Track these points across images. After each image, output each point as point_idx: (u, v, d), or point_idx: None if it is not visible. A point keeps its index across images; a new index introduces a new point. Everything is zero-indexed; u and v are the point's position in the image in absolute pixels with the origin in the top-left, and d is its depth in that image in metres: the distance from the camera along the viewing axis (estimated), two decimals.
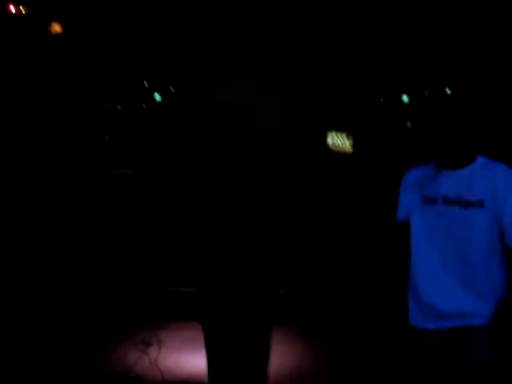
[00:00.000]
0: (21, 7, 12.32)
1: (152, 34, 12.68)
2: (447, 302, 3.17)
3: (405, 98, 12.70)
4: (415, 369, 3.34)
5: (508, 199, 3.11)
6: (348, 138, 13.65)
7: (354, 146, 13.72)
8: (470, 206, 3.16)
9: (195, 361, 5.85)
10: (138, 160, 14.06)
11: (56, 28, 12.76)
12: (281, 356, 6.46)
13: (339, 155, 14.16)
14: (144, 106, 13.32)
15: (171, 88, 12.85)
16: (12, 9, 12.65)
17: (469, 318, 3.13)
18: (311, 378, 6.16)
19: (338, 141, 13.96)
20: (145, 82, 13.04)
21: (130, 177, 13.82)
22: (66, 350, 6.55)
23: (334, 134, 13.62)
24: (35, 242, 9.65)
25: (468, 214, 3.16)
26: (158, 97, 12.67)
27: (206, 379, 4.35)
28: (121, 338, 6.82)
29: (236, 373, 4.23)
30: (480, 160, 3.25)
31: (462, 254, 3.16)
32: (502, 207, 3.11)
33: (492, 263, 3.14)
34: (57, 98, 13.35)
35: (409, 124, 13.17)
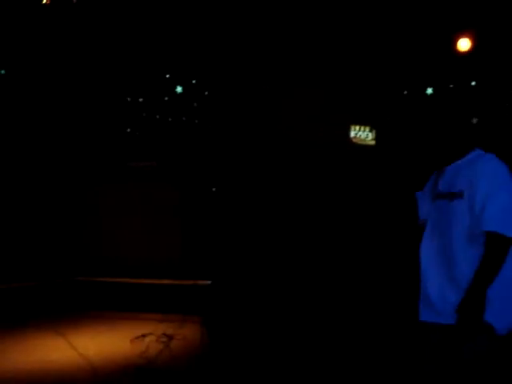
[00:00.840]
0: None
1: (173, 25, 12.62)
2: (438, 295, 3.16)
3: (429, 91, 12.53)
4: (418, 363, 3.29)
5: (479, 189, 3.05)
6: (371, 132, 13.48)
7: (376, 139, 13.55)
8: (454, 198, 3.17)
9: None
10: (160, 152, 14.06)
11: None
12: None
13: (361, 148, 14.04)
14: (166, 98, 13.27)
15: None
16: None
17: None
18: None
19: (361, 134, 13.82)
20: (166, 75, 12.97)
21: (150, 169, 13.79)
22: None
23: (357, 127, 13.46)
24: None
25: (452, 205, 3.16)
26: (179, 88, 12.60)
27: None
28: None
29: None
30: (474, 153, 3.24)
31: (446, 247, 3.14)
32: (474, 196, 3.08)
33: (474, 257, 3.04)
34: (77, 91, 13.35)
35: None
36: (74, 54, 13.07)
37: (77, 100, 13.37)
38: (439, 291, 3.22)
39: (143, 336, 6.65)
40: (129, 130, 13.96)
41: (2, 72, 12.35)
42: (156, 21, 12.58)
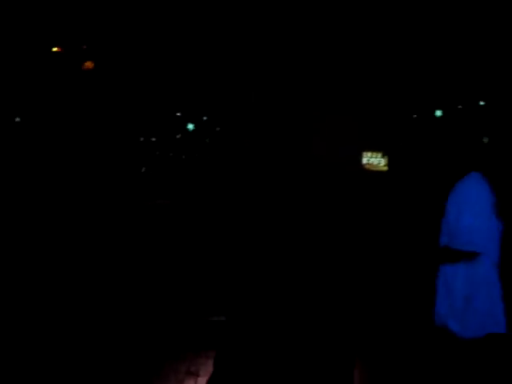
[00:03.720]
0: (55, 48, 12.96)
1: (183, 66, 13.18)
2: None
3: (438, 113, 11.60)
4: None
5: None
6: (383, 157, 11.80)
7: (389, 164, 11.71)
8: None
9: None
10: (174, 190, 12.56)
11: (88, 65, 12.89)
12: None
13: (374, 173, 11.90)
14: (178, 136, 12.74)
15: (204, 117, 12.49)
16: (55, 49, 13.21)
17: None
18: None
19: (373, 160, 12.08)
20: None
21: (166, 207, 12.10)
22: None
23: (369, 154, 11.93)
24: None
25: None
26: (190, 126, 12.29)
27: None
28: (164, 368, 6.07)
29: None
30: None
31: None
32: None
33: None
34: (94, 133, 13.06)
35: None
36: (91, 100, 13.14)
37: (93, 142, 12.88)
38: None
39: None
40: (144, 169, 13.02)
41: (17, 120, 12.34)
42: (166, 63, 13.05)
